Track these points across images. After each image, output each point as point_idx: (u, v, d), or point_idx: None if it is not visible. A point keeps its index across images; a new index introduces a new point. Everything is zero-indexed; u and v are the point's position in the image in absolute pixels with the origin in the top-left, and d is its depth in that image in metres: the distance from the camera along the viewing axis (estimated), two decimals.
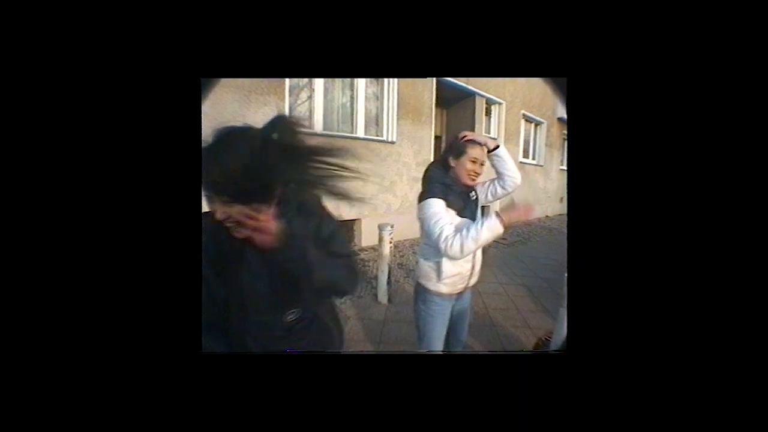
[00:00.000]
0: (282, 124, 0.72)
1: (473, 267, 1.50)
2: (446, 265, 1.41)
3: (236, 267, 0.80)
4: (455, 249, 1.26)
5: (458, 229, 1.29)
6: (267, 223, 0.67)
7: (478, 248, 1.29)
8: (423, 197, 1.39)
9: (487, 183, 1.53)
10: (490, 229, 1.25)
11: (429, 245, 1.42)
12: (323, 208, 0.85)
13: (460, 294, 1.53)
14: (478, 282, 1.60)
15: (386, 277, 3.11)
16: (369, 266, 3.99)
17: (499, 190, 1.50)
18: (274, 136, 0.70)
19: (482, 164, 1.40)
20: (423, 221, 1.38)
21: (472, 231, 1.25)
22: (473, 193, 1.48)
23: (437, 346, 1.50)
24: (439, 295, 1.47)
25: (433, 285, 1.47)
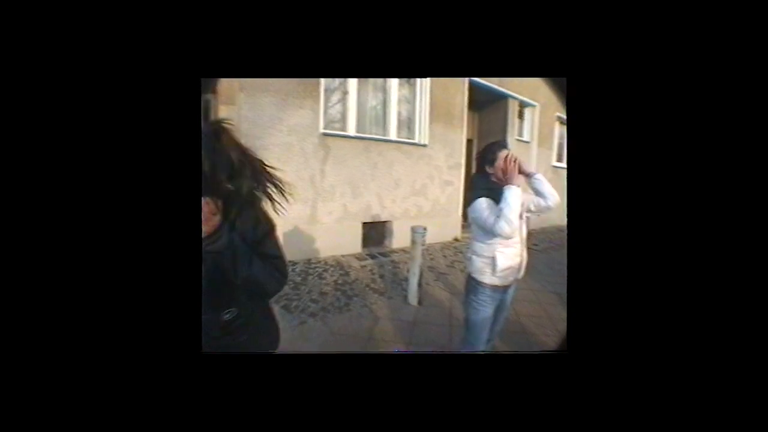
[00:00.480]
0: (212, 129, 0.78)
1: (521, 260, 1.71)
2: (500, 259, 1.63)
3: None
4: (502, 226, 1.50)
5: (496, 214, 1.55)
6: (212, 219, 0.73)
7: (516, 215, 1.52)
8: (471, 201, 1.66)
9: (532, 196, 1.72)
10: (512, 195, 1.51)
11: (481, 242, 1.66)
12: (260, 210, 0.89)
13: (507, 287, 1.74)
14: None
15: (417, 279, 3.12)
16: (399, 268, 4.01)
17: (542, 203, 1.69)
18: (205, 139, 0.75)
19: (513, 158, 1.60)
20: (474, 220, 1.64)
21: (503, 206, 1.51)
22: None
23: (482, 332, 1.73)
24: (493, 287, 1.68)
25: (488, 278, 1.67)
